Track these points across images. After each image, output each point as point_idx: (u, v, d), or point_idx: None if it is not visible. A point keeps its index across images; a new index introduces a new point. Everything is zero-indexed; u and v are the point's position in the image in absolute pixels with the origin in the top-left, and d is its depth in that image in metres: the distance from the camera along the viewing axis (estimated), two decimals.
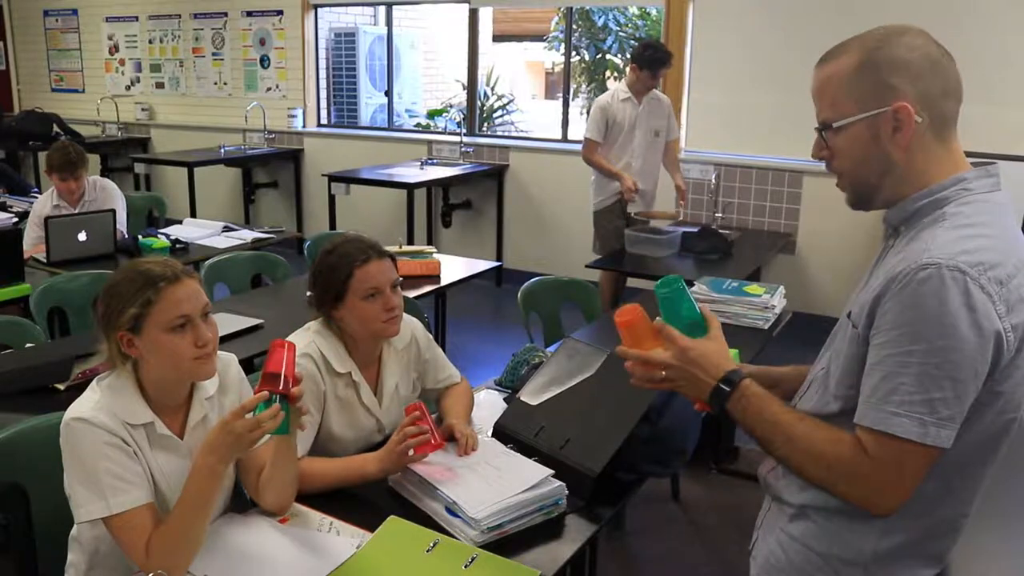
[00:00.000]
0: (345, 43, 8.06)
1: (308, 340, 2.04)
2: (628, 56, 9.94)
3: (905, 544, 1.28)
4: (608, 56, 10.03)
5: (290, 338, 2.07)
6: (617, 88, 4.81)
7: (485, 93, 9.79)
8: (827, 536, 1.33)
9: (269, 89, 7.66)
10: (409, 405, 1.95)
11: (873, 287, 1.23)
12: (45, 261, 3.85)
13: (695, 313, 1.39)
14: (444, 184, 6.57)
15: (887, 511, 1.23)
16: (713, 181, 5.44)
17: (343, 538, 1.66)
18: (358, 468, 1.88)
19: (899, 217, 1.28)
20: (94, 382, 1.63)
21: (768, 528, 1.46)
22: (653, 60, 4.67)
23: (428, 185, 6.51)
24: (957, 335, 1.12)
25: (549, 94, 13.40)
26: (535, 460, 1.87)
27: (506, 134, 8.80)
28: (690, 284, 3.26)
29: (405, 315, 2.15)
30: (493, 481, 1.78)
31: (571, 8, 7.07)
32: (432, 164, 6.67)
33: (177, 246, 4.20)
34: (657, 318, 1.38)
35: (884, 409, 1.17)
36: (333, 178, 6.13)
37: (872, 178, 1.27)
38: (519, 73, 12.69)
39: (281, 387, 1.53)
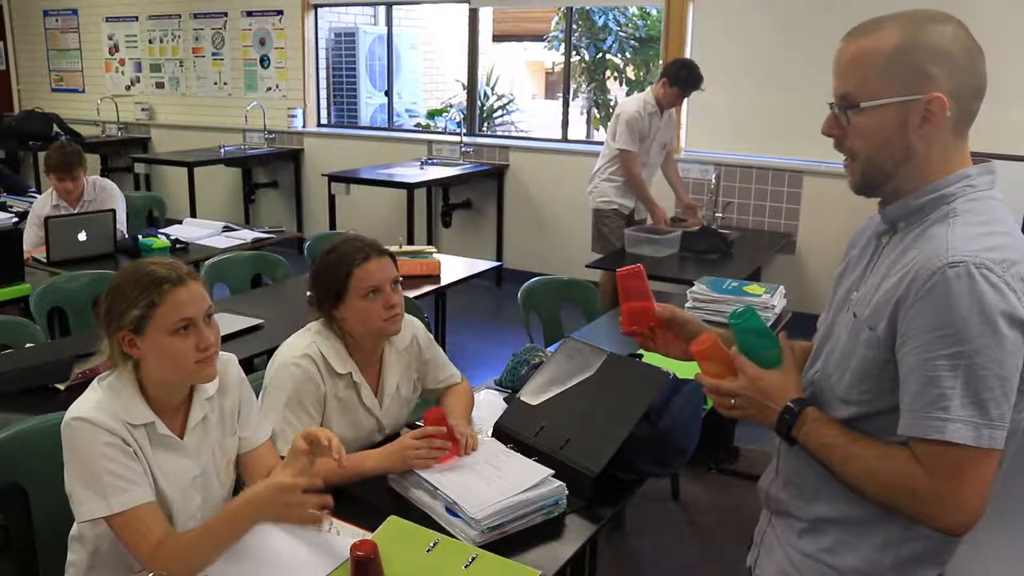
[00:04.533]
0: (345, 43, 8.05)
1: (309, 341, 2.03)
2: (628, 56, 10.00)
3: (924, 552, 1.25)
4: (608, 56, 10.02)
5: (290, 339, 2.08)
6: (645, 99, 4.65)
7: (485, 93, 9.78)
8: (843, 549, 1.29)
9: (269, 89, 7.66)
10: (432, 410, 1.93)
11: (886, 287, 1.19)
12: (45, 261, 3.85)
13: (765, 347, 1.34)
14: (444, 184, 6.56)
15: (956, 527, 1.17)
16: (713, 181, 5.44)
17: (343, 538, 1.65)
18: (355, 464, 1.86)
19: (900, 213, 1.25)
20: (95, 382, 1.63)
21: (772, 545, 1.41)
22: (688, 80, 4.53)
23: (428, 185, 6.51)
24: (998, 332, 1.09)
25: (549, 94, 13.40)
26: (535, 460, 1.87)
27: (506, 134, 8.79)
28: (690, 284, 3.27)
29: (406, 315, 2.15)
30: (493, 481, 1.78)
31: (571, 8, 7.07)
32: (432, 164, 6.67)
33: (177, 246, 4.20)
34: (733, 348, 1.34)
35: (934, 416, 1.12)
36: (333, 178, 6.13)
37: (888, 165, 1.23)
38: (519, 73, 12.69)
39: None
